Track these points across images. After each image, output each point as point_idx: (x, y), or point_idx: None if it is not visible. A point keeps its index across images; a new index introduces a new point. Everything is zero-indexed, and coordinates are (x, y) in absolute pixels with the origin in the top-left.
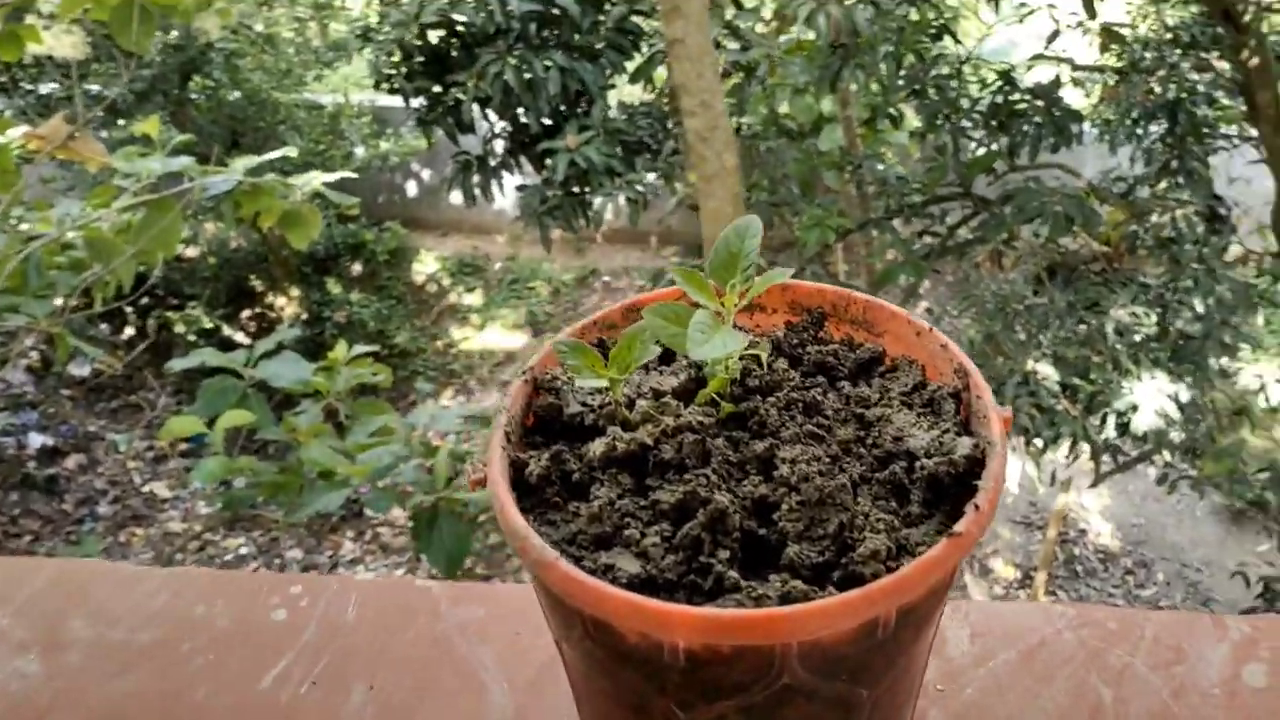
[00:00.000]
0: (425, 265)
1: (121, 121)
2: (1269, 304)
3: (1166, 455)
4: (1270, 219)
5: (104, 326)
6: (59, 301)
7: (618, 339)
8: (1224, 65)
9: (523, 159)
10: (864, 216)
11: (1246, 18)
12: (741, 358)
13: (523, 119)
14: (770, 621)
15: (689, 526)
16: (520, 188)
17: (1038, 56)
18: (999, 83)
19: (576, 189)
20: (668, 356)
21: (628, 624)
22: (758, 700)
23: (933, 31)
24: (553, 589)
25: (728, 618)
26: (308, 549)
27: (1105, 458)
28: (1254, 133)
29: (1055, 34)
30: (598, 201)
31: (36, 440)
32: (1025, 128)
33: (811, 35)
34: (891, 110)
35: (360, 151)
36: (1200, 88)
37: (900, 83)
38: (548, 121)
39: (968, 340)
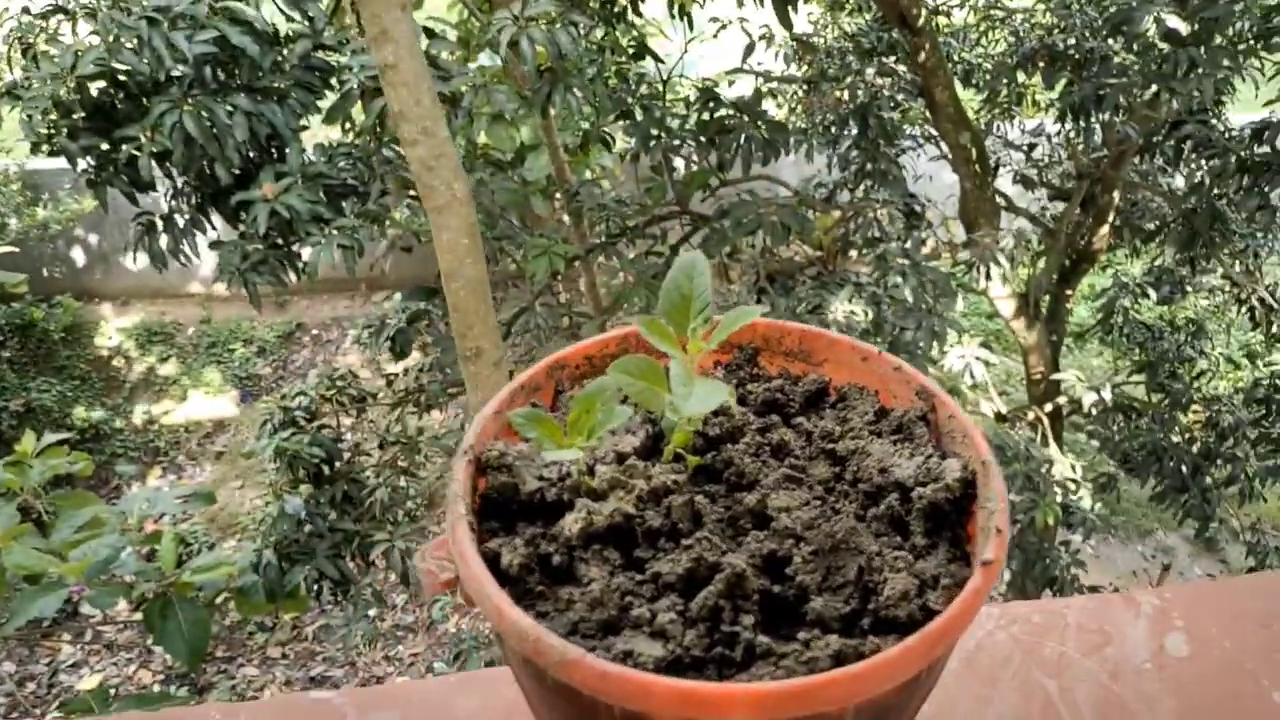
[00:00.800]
0: (107, 338)
1: None
2: (966, 289)
3: None
4: (957, 211)
5: None
6: None
7: (561, 403)
8: (902, 69)
9: (213, 214)
10: (583, 243)
11: (920, 21)
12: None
13: (210, 171)
14: (836, 686)
15: (705, 595)
16: (214, 244)
17: (736, 70)
18: (703, 99)
19: (280, 241)
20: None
21: (672, 712)
22: None
23: (632, 50)
24: (580, 688)
25: (793, 689)
26: (19, 659)
27: None
28: (934, 131)
29: (750, 47)
30: (307, 253)
31: None
32: (734, 143)
33: (501, 62)
34: (603, 133)
35: (14, 223)
36: (885, 92)
37: (608, 104)
38: (238, 172)
39: None
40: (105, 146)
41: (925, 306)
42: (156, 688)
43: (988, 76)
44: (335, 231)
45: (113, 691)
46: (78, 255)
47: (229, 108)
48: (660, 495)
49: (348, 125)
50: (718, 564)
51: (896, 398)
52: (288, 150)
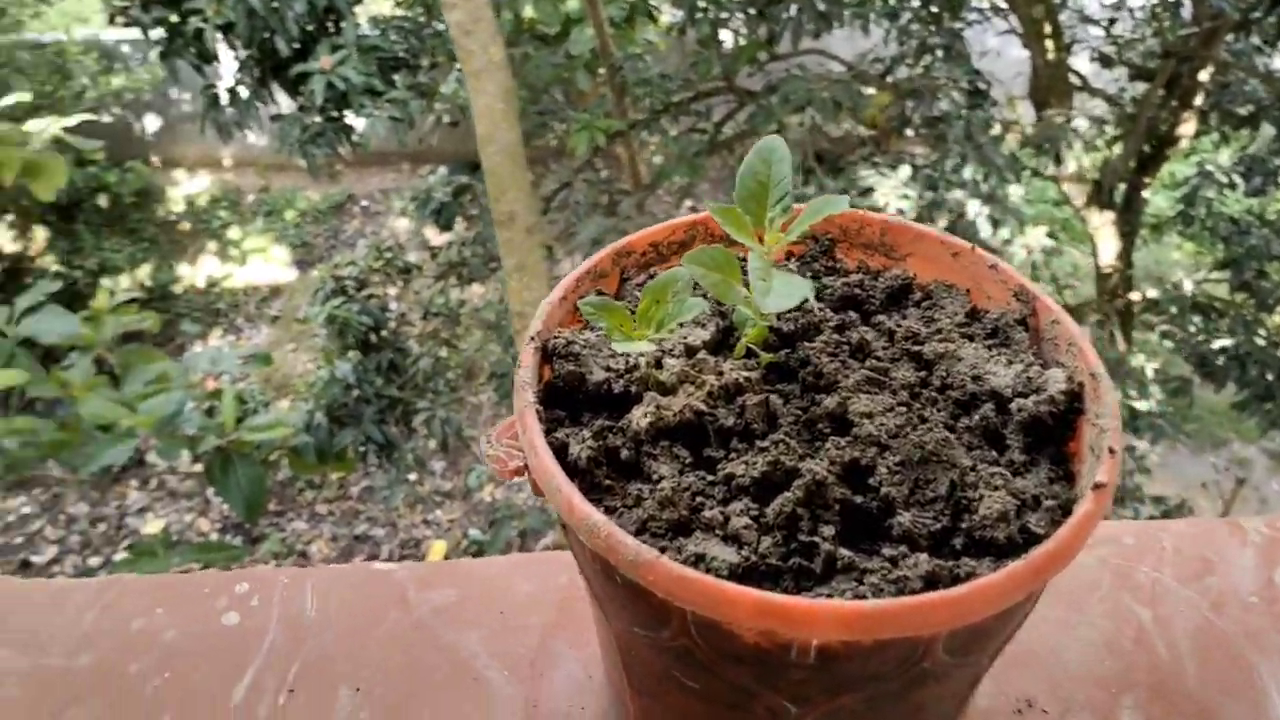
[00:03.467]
0: (175, 204)
1: None
2: (1034, 174)
3: None
4: (1027, 89)
5: None
6: None
7: (626, 291)
8: None
9: (274, 86)
10: (625, 119)
11: None
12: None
13: (270, 43)
14: (934, 609)
15: (782, 501)
16: (275, 117)
17: None
18: None
19: (336, 113)
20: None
21: (749, 623)
22: (890, 688)
23: None
24: (652, 589)
25: (880, 609)
26: (92, 502)
27: None
28: (1003, 4)
29: None
30: (361, 124)
31: None
32: (784, 14)
33: None
34: (650, 6)
35: (92, 90)
36: None
37: None
38: (297, 45)
39: None
40: (175, 19)
41: (987, 191)
42: (214, 536)
43: None
44: (387, 104)
45: (174, 538)
46: (149, 123)
47: None
48: (732, 393)
49: None
50: (796, 469)
51: (991, 299)
52: (343, 23)
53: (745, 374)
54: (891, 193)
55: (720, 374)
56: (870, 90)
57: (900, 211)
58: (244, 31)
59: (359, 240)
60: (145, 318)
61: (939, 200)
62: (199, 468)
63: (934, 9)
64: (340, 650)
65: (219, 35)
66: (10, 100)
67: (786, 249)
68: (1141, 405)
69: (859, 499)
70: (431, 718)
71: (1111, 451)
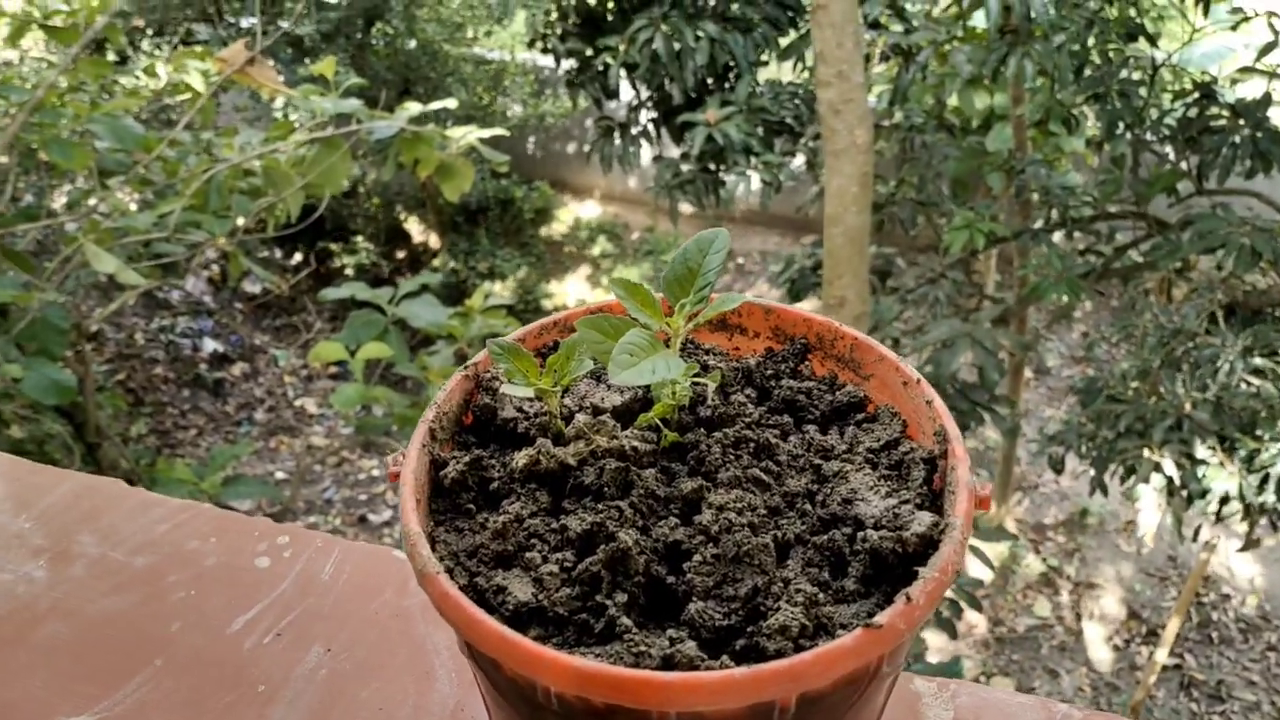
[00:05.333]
0: (566, 226)
1: (308, 60)
2: None
3: None
4: None
5: (276, 251)
6: (239, 222)
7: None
8: None
9: (663, 130)
10: (1022, 225)
11: None
12: (695, 383)
13: (667, 88)
14: (642, 686)
15: (589, 561)
16: (656, 159)
17: (1247, 69)
18: (1195, 94)
19: (712, 166)
20: None
21: (494, 654)
22: None
23: (1126, 31)
24: (433, 602)
25: (596, 673)
26: None
27: (1262, 522)
28: None
29: (1271, 45)
30: (730, 180)
31: (209, 346)
32: (1221, 148)
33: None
34: (1069, 113)
35: (519, 109)
36: None
37: (1079, 84)
38: (691, 94)
39: (1119, 373)
40: (588, 52)
41: None
42: None
43: None
44: (761, 165)
45: None
46: (561, 149)
47: (698, 33)
48: (615, 456)
49: (799, 65)
50: (613, 535)
51: (923, 433)
52: (740, 81)
53: (637, 444)
54: None
55: (613, 438)
56: None
57: None
58: (645, 74)
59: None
60: (509, 324)
61: None
62: None
63: None
64: (332, 613)
65: (623, 74)
66: (439, 105)
67: (766, 344)
68: None
69: (670, 579)
70: (372, 693)
71: (908, 599)
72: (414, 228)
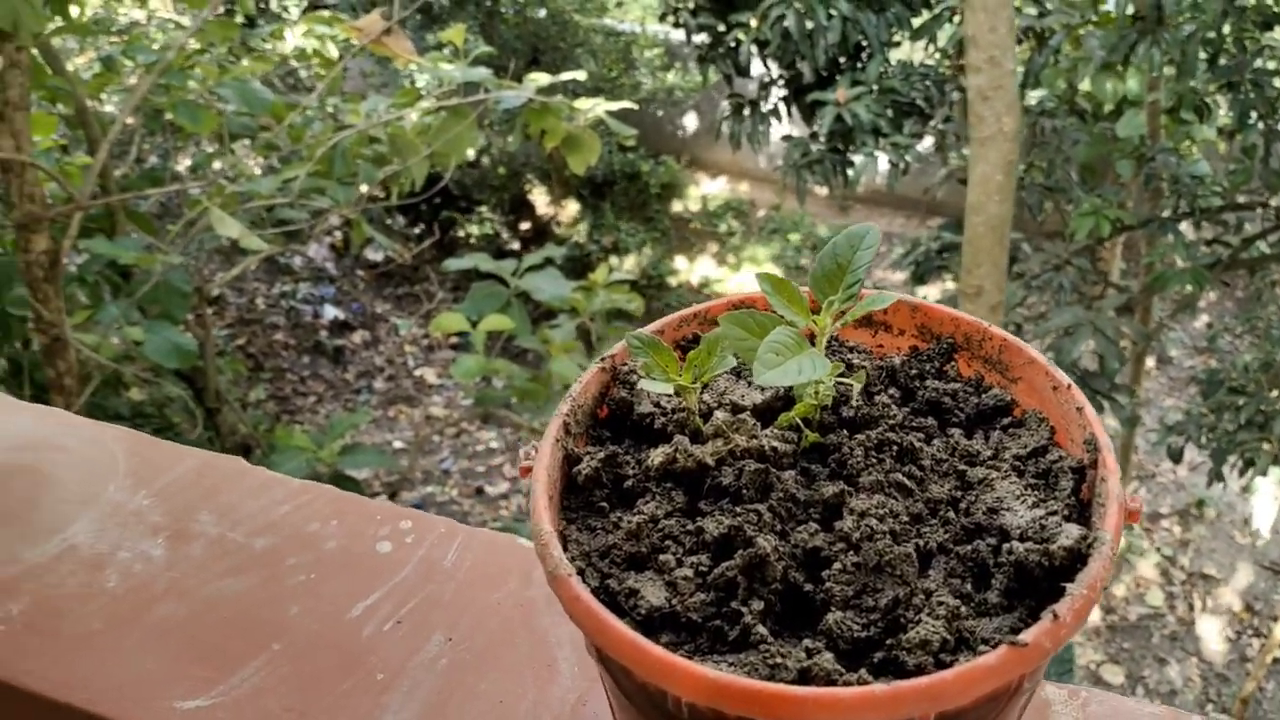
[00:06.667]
0: (693, 202)
1: (437, 27)
2: None
3: None
4: None
5: (399, 219)
6: (363, 189)
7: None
8: None
9: (793, 108)
10: (1149, 213)
11: None
12: (838, 383)
13: (798, 66)
14: (778, 700)
15: (725, 567)
16: (785, 138)
17: None
18: None
19: (840, 146)
20: None
21: (625, 661)
22: None
23: (1263, 19)
24: (564, 605)
25: (731, 685)
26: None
27: None
28: None
29: None
30: (859, 160)
31: (330, 313)
32: None
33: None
34: (1200, 100)
35: (648, 82)
36: None
37: (1212, 72)
38: (822, 72)
39: (1242, 365)
40: (720, 28)
41: None
42: None
43: None
44: (889, 146)
45: None
46: (689, 123)
47: (830, 11)
48: (754, 457)
49: (930, 46)
50: (752, 540)
51: (1072, 440)
52: (871, 60)
53: (777, 444)
54: None
55: (753, 437)
56: None
57: None
58: (776, 51)
59: None
60: (632, 299)
61: None
62: None
63: None
64: (453, 601)
65: (754, 50)
66: (568, 76)
67: (911, 343)
68: None
69: (808, 587)
70: (491, 685)
71: (1056, 616)
72: (539, 199)
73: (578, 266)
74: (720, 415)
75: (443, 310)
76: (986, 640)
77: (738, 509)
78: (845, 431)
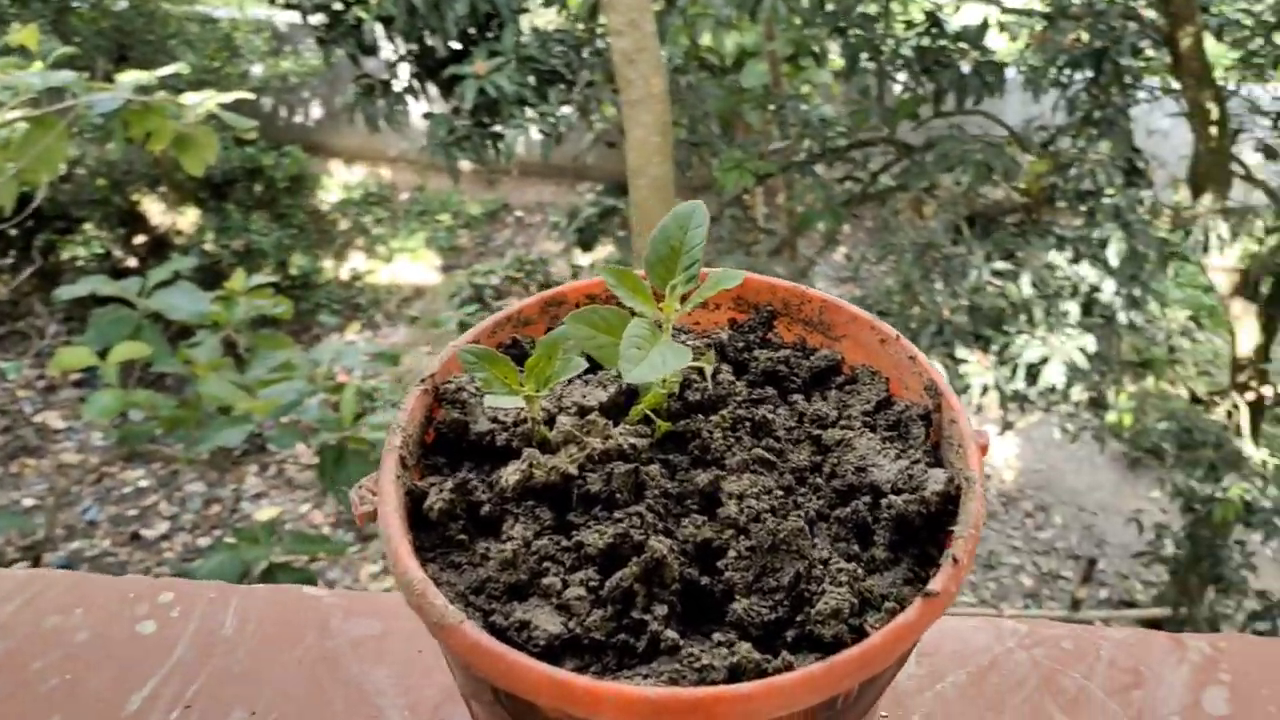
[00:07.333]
0: (329, 193)
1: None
2: (1180, 259)
3: (1071, 406)
4: (1186, 173)
5: None
6: None
7: (536, 342)
8: (1151, 13)
9: (429, 85)
10: (786, 159)
11: None
12: (689, 368)
13: (429, 41)
14: (718, 703)
15: (620, 577)
16: (427, 116)
17: None
18: (925, 24)
19: (486, 119)
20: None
21: (546, 700)
22: None
23: None
24: (458, 655)
25: (665, 699)
26: (210, 482)
27: (1013, 407)
28: (1176, 85)
29: None
30: (509, 133)
31: None
32: (952, 75)
33: None
34: (814, 47)
35: (258, 70)
36: (1126, 37)
37: (820, 19)
38: (456, 45)
39: (884, 289)
40: (337, 6)
41: (1130, 271)
42: (326, 529)
43: (1245, 33)
44: (537, 116)
45: (285, 525)
46: (313, 109)
47: None
48: (614, 457)
49: (563, 10)
50: (642, 544)
51: (908, 389)
52: (504, 30)
53: (634, 440)
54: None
55: (607, 438)
56: (1029, 157)
57: (1041, 283)
58: (403, 27)
59: (509, 250)
60: (279, 303)
61: (1081, 276)
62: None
63: (1104, 82)
64: (246, 671)
65: (379, 27)
66: (168, 70)
67: (729, 315)
68: (1264, 502)
69: (705, 580)
70: None
71: (955, 561)
72: (151, 209)
73: (210, 276)
74: (565, 420)
75: (60, 346)
76: (885, 596)
77: (616, 514)
78: (699, 416)
